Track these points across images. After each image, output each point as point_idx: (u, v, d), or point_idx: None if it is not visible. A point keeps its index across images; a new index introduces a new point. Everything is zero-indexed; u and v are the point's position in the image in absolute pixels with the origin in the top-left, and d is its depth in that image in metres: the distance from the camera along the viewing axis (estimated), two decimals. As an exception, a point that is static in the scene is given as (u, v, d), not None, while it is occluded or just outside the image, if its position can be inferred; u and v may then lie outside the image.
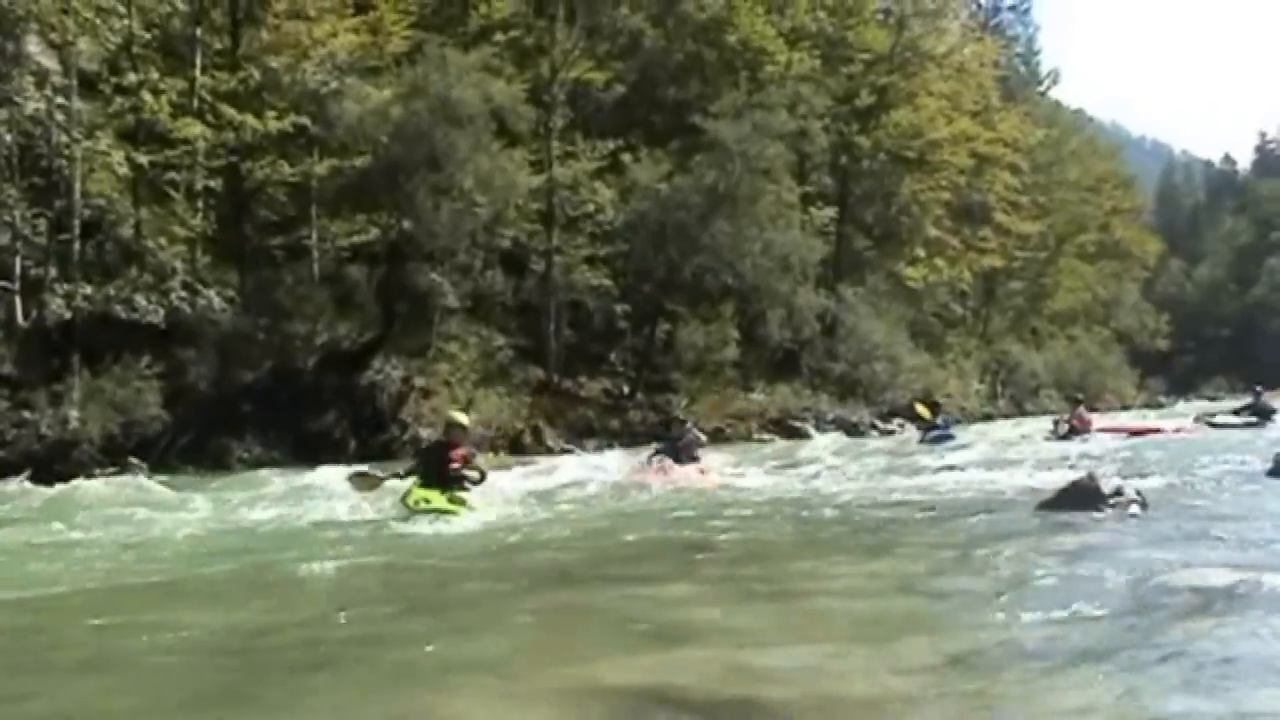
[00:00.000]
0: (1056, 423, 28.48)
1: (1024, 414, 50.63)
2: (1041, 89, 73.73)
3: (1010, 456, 19.37)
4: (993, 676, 4.68)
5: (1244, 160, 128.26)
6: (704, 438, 19.87)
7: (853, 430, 35.73)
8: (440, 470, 12.79)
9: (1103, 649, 4.98)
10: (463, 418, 14.15)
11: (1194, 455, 17.49)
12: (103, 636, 6.59)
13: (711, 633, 5.82)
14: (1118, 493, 10.13)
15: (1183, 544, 7.90)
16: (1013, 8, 71.85)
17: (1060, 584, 6.62)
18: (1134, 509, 9.85)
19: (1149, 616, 5.57)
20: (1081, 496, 10.14)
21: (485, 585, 7.75)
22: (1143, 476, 12.25)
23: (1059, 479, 13.04)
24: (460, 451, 13.19)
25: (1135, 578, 6.50)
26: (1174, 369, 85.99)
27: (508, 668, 5.25)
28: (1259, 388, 33.17)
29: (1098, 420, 29.93)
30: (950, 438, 26.70)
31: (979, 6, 66.36)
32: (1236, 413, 30.30)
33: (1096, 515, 9.60)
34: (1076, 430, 26.58)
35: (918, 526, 9.97)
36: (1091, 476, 10.54)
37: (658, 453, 18.39)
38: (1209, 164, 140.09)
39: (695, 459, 18.19)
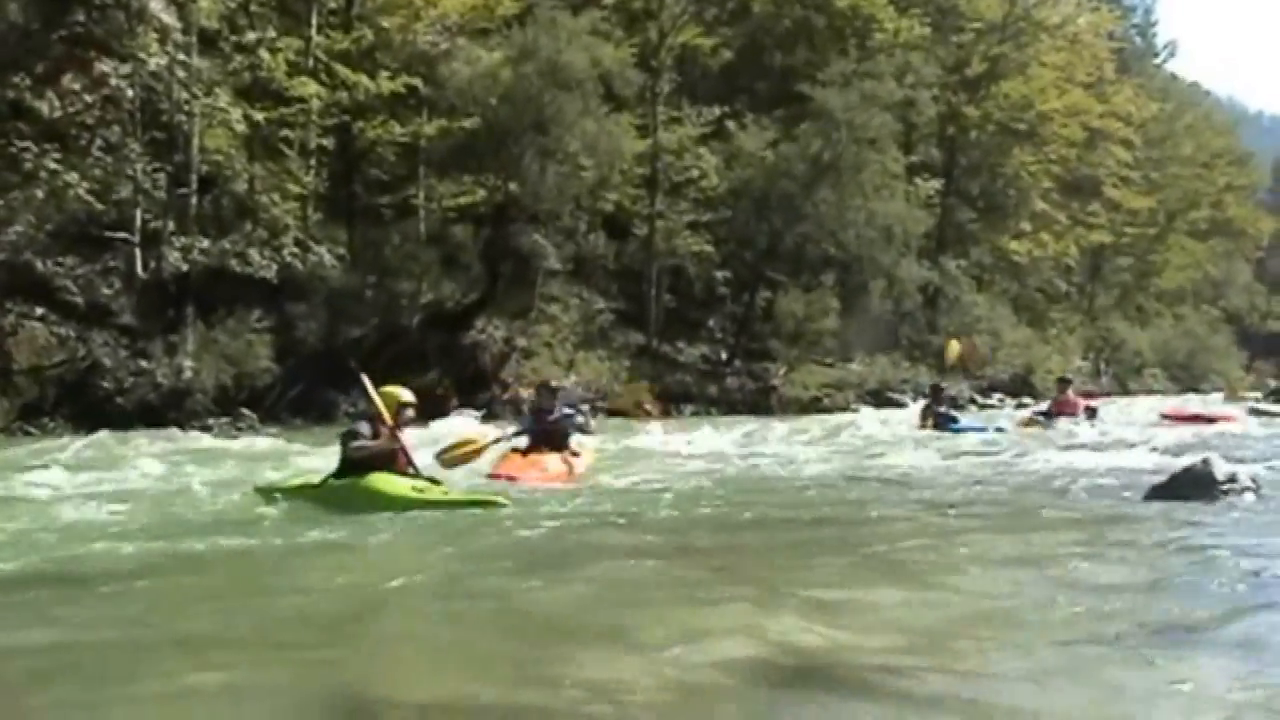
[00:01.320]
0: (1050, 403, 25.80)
1: (1127, 393, 49.80)
2: (1158, 61, 72.04)
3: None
4: (1120, 662, 4.64)
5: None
6: (591, 422, 14.36)
7: (950, 404, 35.30)
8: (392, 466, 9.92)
9: (1223, 639, 4.93)
10: (410, 395, 10.35)
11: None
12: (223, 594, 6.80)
13: (824, 607, 5.82)
14: (1231, 479, 9.86)
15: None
16: (1129, -22, 70.17)
17: (1178, 574, 6.49)
18: (1248, 496, 9.62)
19: (1258, 604, 5.49)
20: (1194, 483, 9.86)
21: (580, 552, 7.82)
22: (1243, 462, 11.89)
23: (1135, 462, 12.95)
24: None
25: (1255, 568, 6.37)
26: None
27: (630, 630, 5.29)
28: None
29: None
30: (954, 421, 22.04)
31: (1095, -25, 64.82)
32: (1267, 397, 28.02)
33: (1210, 502, 9.36)
34: (1062, 414, 22.72)
35: (1025, 512, 9.81)
36: (1205, 462, 10.24)
37: (519, 433, 13.56)
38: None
39: (566, 446, 13.24)
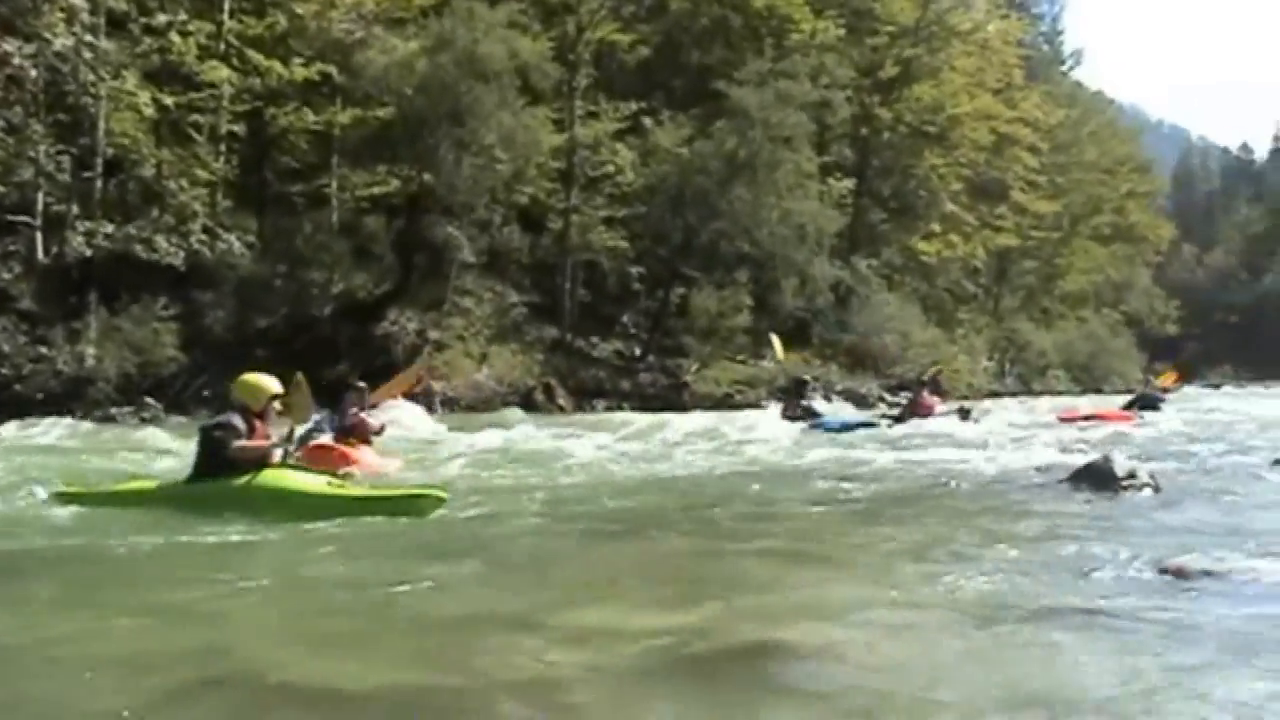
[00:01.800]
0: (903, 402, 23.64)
1: (1031, 393, 50.68)
2: (1064, 69, 73.38)
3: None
4: (1009, 637, 4.90)
5: (1261, 149, 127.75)
6: (376, 424, 13.61)
7: (860, 402, 35.64)
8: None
9: (1107, 617, 5.20)
10: (278, 386, 9.34)
11: (1199, 443, 17.44)
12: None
13: (730, 589, 6.00)
14: (1131, 475, 10.21)
15: (1192, 528, 8.03)
16: (1038, -14, 71.48)
17: (1073, 559, 6.73)
18: (1147, 492, 9.94)
19: (1156, 593, 5.75)
20: (1097, 477, 10.23)
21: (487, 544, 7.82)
22: (1148, 460, 12.26)
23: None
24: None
25: (1145, 557, 6.63)
26: (1182, 354, 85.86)
27: (536, 616, 5.38)
28: (1149, 378, 30.45)
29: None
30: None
31: (1005, -18, 65.78)
32: (1129, 405, 25.57)
33: (1112, 496, 9.70)
34: (916, 415, 21.29)
35: (927, 505, 9.97)
36: (1107, 458, 10.63)
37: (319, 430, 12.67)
38: (1226, 151, 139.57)
39: (370, 442, 13.21)
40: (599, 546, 7.74)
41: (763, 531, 8.26)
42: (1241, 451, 15.36)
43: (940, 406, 22.17)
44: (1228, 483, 11.22)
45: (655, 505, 9.90)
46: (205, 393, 23.52)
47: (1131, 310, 74.21)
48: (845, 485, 11.08)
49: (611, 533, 8.34)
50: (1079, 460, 11.49)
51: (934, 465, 13.12)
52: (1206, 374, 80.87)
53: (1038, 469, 12.14)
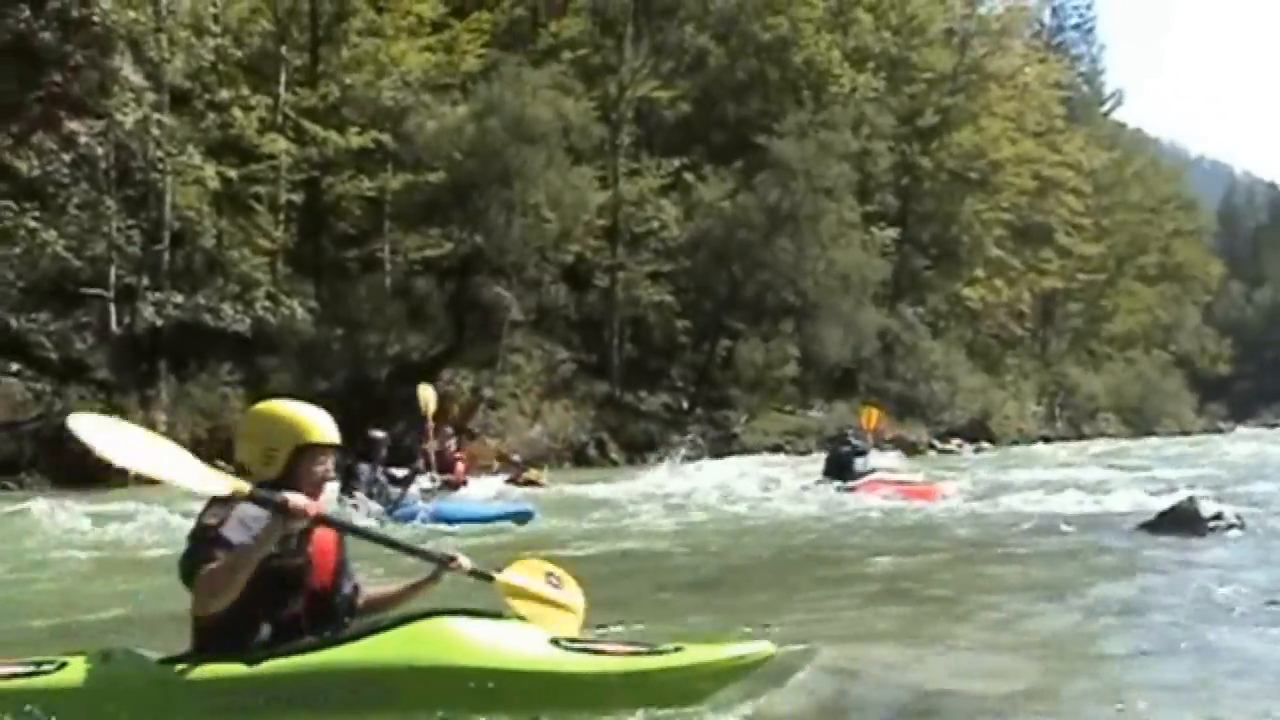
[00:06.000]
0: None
1: (1082, 437, 50.34)
2: (1105, 110, 73.33)
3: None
4: (1147, 676, 4.97)
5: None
6: None
7: (911, 450, 35.72)
8: None
9: (1212, 666, 5.18)
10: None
11: (1264, 480, 17.42)
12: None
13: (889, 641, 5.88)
14: (1217, 516, 10.36)
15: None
16: (1076, 26, 71.49)
17: (1169, 604, 6.78)
18: (1233, 533, 10.10)
19: (1255, 637, 5.77)
20: (1182, 519, 10.34)
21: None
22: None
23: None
24: None
25: (1239, 599, 6.74)
26: (1234, 393, 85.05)
27: None
28: (847, 431, 19.26)
29: None
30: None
31: (1042, 26, 65.96)
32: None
33: (1197, 539, 9.83)
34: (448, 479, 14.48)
35: (1015, 552, 9.93)
36: (1192, 500, 10.76)
37: None
38: (1271, 186, 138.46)
39: None
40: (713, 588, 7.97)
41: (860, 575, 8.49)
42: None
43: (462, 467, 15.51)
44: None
45: (742, 554, 10.21)
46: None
47: (1182, 351, 73.46)
48: (912, 539, 11.08)
49: (715, 574, 8.65)
50: (1156, 504, 11.60)
51: (1005, 512, 13.23)
52: (1262, 412, 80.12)
53: (1108, 514, 12.23)
